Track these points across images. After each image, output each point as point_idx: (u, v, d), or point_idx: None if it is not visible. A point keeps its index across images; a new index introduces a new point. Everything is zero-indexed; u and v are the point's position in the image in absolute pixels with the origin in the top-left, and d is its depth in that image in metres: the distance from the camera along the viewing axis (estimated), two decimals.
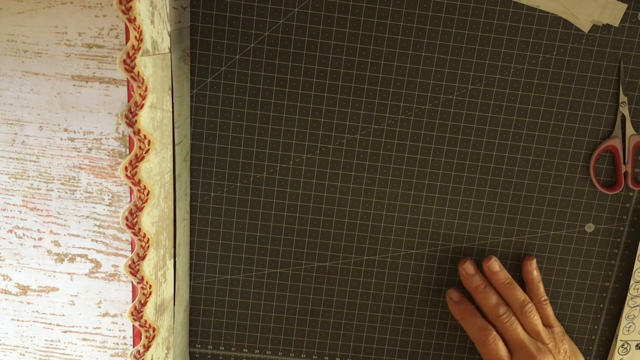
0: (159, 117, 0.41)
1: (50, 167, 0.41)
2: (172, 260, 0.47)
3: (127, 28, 0.36)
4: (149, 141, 0.39)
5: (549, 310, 0.53)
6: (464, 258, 0.54)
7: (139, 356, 0.43)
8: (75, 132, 0.40)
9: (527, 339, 0.51)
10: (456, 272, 0.54)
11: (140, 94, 0.37)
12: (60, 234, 0.42)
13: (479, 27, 0.49)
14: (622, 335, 0.55)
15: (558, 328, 0.53)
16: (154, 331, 0.43)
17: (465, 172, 0.52)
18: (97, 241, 0.42)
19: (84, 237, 0.42)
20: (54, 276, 0.43)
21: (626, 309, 0.54)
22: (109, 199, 0.41)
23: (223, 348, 0.56)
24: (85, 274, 0.43)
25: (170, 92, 0.43)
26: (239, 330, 0.56)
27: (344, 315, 0.55)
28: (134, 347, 0.44)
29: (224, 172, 0.52)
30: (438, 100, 0.50)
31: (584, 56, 0.49)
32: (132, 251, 0.41)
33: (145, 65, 0.37)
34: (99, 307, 0.44)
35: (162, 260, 0.44)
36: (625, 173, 0.51)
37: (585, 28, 0.49)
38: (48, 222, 0.42)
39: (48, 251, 0.42)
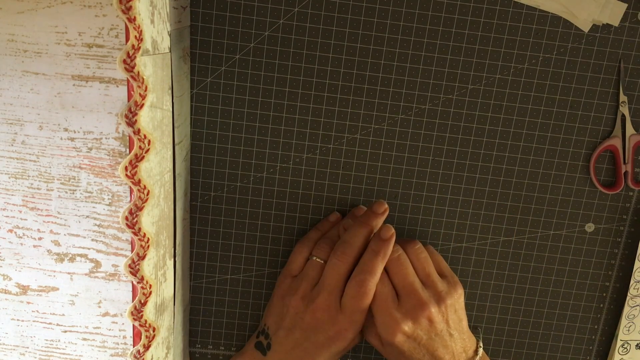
0: (159, 117, 0.41)
1: (50, 167, 0.41)
2: (172, 260, 0.47)
3: (127, 28, 0.36)
4: (149, 141, 0.39)
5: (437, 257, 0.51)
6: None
7: (139, 356, 0.43)
8: (75, 131, 0.40)
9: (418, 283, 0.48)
10: (457, 272, 0.54)
11: (140, 94, 0.37)
12: (60, 233, 0.42)
13: (479, 27, 0.49)
14: (622, 335, 0.55)
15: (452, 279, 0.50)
16: (154, 331, 0.43)
17: (465, 172, 0.52)
18: (97, 241, 0.42)
19: (84, 237, 0.42)
20: (54, 276, 0.43)
21: (626, 309, 0.54)
22: (109, 199, 0.41)
23: (223, 348, 0.56)
24: (85, 274, 0.43)
25: (170, 91, 0.43)
26: (239, 330, 0.56)
27: None
28: (134, 346, 0.44)
29: (224, 172, 0.52)
30: (438, 100, 0.50)
31: (584, 56, 0.49)
32: (132, 251, 0.41)
33: (145, 65, 0.37)
34: (99, 307, 0.44)
35: (162, 260, 0.44)
36: (625, 173, 0.51)
37: (585, 28, 0.49)
38: (48, 221, 0.42)
39: (48, 251, 0.42)
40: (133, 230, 0.40)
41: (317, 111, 0.51)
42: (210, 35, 0.49)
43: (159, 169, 0.42)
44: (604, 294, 0.55)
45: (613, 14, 0.48)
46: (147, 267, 0.41)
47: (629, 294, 0.54)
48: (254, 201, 0.53)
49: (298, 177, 0.52)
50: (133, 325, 0.43)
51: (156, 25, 0.39)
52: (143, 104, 0.38)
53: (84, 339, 0.44)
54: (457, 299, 0.49)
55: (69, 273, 0.43)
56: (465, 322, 0.49)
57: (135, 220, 0.40)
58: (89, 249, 0.42)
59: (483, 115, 0.51)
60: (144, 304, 0.42)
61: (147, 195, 0.40)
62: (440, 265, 0.51)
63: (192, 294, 0.55)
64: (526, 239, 0.53)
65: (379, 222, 0.49)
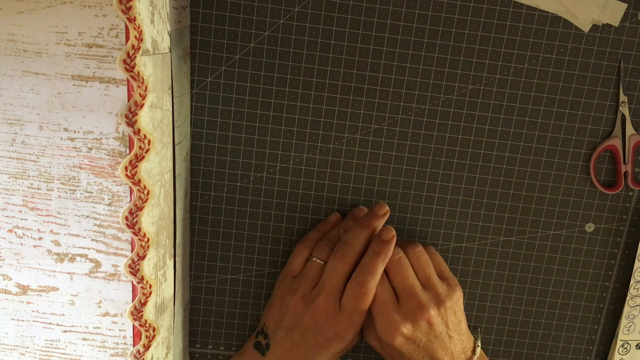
0: (159, 117, 0.41)
1: (50, 167, 0.41)
2: (172, 260, 0.47)
3: (127, 28, 0.36)
4: (149, 141, 0.39)
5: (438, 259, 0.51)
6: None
7: (139, 356, 0.43)
8: (75, 131, 0.40)
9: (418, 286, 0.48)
10: (457, 272, 0.54)
11: (140, 94, 0.37)
12: (60, 233, 0.42)
13: (479, 27, 0.49)
14: (622, 335, 0.55)
15: (453, 282, 0.50)
16: (154, 331, 0.43)
17: (465, 172, 0.52)
18: (97, 241, 0.42)
19: (84, 237, 0.42)
20: (54, 276, 0.43)
21: (626, 309, 0.54)
22: (109, 199, 0.41)
23: (223, 348, 0.56)
24: (85, 274, 0.43)
25: (170, 91, 0.43)
26: (239, 330, 0.56)
27: None
28: (134, 346, 0.44)
29: (224, 172, 0.52)
30: (438, 100, 0.50)
31: (584, 56, 0.49)
32: (132, 251, 0.41)
33: (145, 65, 0.37)
34: (99, 307, 0.44)
35: (162, 260, 0.44)
36: (625, 173, 0.51)
37: (585, 28, 0.49)
38: (48, 221, 0.42)
39: (48, 251, 0.42)
40: (133, 230, 0.40)
41: (317, 111, 0.51)
42: (210, 35, 0.49)
43: (159, 169, 0.42)
44: (604, 294, 0.55)
45: (613, 14, 0.48)
46: (147, 267, 0.41)
47: (629, 294, 0.54)
48: (254, 201, 0.53)
49: (298, 177, 0.52)
50: (133, 325, 0.43)
51: (156, 25, 0.39)
52: (143, 104, 0.38)
53: (84, 339, 0.44)
54: (456, 301, 0.49)
55: (69, 273, 0.43)
56: (464, 324, 0.50)
57: (135, 220, 0.40)
58: (89, 249, 0.42)
59: (483, 115, 0.51)
60: (144, 304, 0.42)
61: (147, 195, 0.40)
62: (441, 266, 0.51)
63: (192, 294, 0.55)
64: (526, 239, 0.53)
65: (380, 223, 0.49)
